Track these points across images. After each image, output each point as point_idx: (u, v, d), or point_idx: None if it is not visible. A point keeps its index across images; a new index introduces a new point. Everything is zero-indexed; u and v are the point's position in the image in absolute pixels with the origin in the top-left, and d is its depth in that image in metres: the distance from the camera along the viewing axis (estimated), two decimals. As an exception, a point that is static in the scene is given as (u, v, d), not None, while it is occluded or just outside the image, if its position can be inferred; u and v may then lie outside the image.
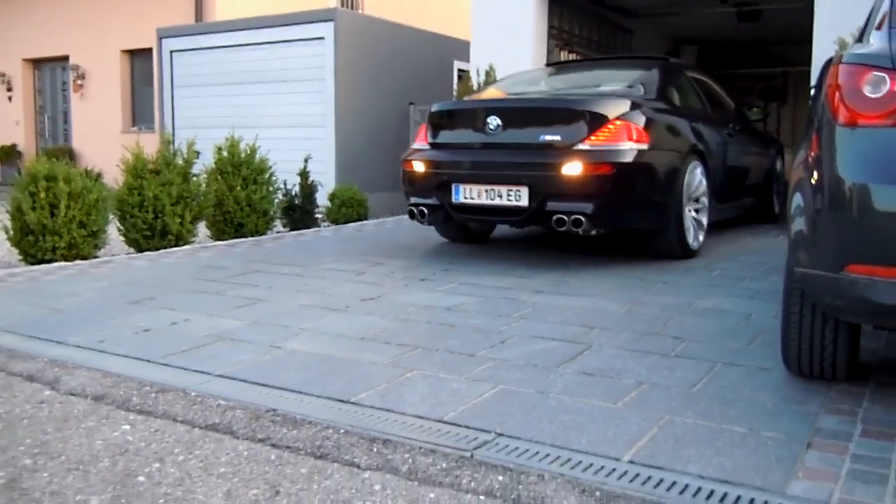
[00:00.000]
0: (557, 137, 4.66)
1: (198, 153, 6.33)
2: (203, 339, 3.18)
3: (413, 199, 5.21)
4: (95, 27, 13.54)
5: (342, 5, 14.69)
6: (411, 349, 3.01)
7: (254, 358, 2.92)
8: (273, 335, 3.23)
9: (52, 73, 14.90)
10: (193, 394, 2.54)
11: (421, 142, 5.33)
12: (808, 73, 6.96)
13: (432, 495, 1.85)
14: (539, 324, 3.40)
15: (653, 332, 3.26)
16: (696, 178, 5.10)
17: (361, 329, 3.32)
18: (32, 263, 5.36)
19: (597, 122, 4.59)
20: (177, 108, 10.87)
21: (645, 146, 4.61)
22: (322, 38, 9.49)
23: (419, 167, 5.15)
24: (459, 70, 10.91)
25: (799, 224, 2.36)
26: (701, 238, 5.20)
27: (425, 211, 5.07)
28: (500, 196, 4.73)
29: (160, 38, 10.87)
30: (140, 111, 13.66)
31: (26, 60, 14.89)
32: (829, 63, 2.40)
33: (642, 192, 4.72)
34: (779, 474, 1.90)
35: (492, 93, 5.99)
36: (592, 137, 4.57)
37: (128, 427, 2.31)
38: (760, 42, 12.38)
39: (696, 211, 5.17)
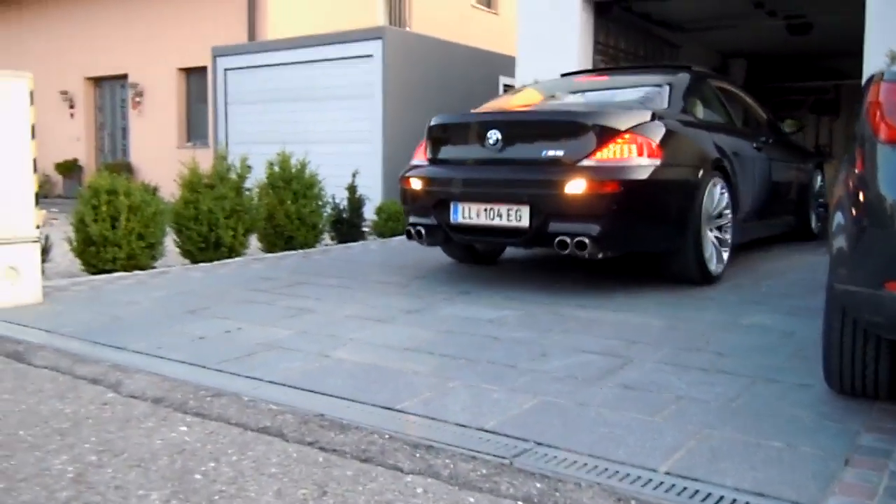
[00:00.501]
0: (561, 153, 4.35)
1: (250, 168, 6.54)
2: (255, 348, 3.31)
3: (411, 219, 4.96)
4: (153, 47, 14.01)
5: (390, 23, 14.94)
6: (454, 360, 3.09)
7: (303, 366, 3.04)
8: (321, 344, 3.34)
9: (111, 90, 15.44)
10: (246, 398, 2.66)
11: (420, 158, 5.10)
12: (860, 86, 6.88)
13: (472, 500, 1.92)
14: (580, 337, 3.45)
15: (694, 348, 3.28)
16: (717, 196, 4.75)
17: (405, 340, 3.41)
18: (94, 273, 5.59)
19: (604, 136, 4.28)
20: (230, 124, 11.18)
21: (657, 162, 4.29)
22: (371, 56, 9.70)
23: (416, 185, 4.89)
24: (505, 85, 11.02)
25: (840, 241, 2.38)
26: (724, 261, 4.84)
27: (423, 231, 4.79)
28: (500, 216, 4.44)
29: (215, 57, 11.21)
30: (195, 127, 14.06)
31: (88, 79, 15.46)
32: (870, 80, 2.43)
33: (654, 212, 4.43)
34: (815, 489, 1.93)
35: (499, 104, 5.71)
36: (599, 153, 4.27)
37: (185, 428, 2.44)
38: (811, 55, 12.22)
39: (719, 231, 4.82)
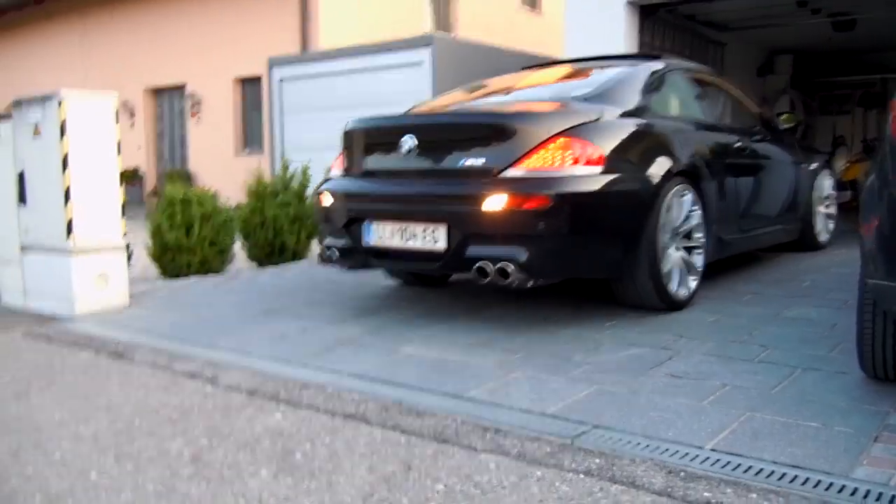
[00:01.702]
0: (481, 161, 3.72)
1: (311, 176, 6.90)
2: (331, 344, 3.63)
3: (326, 240, 4.34)
4: (210, 58, 14.55)
5: (437, 28, 15.25)
6: (513, 353, 3.37)
7: (376, 359, 3.34)
8: (390, 341, 3.65)
9: (170, 100, 16.05)
10: (330, 389, 2.97)
11: (336, 169, 4.51)
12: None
13: (539, 473, 2.20)
14: (629, 332, 3.69)
15: (738, 340, 3.50)
16: (683, 207, 4.10)
17: (468, 335, 3.70)
18: (170, 278, 6.00)
19: (531, 140, 3.65)
20: (286, 132, 11.60)
21: (598, 170, 3.65)
22: (420, 63, 10.00)
23: (328, 200, 4.29)
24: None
25: (869, 240, 2.59)
26: (692, 284, 4.18)
27: (335, 254, 4.19)
28: (415, 237, 3.84)
29: (271, 67, 11.63)
30: (250, 135, 14.56)
31: (147, 90, 16.10)
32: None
33: (595, 231, 3.76)
34: (845, 462, 2.16)
35: (434, 104, 4.93)
36: (526, 161, 3.63)
37: (280, 416, 2.76)
38: (857, 50, 12.17)
39: (687, 249, 4.17)
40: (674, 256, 4.05)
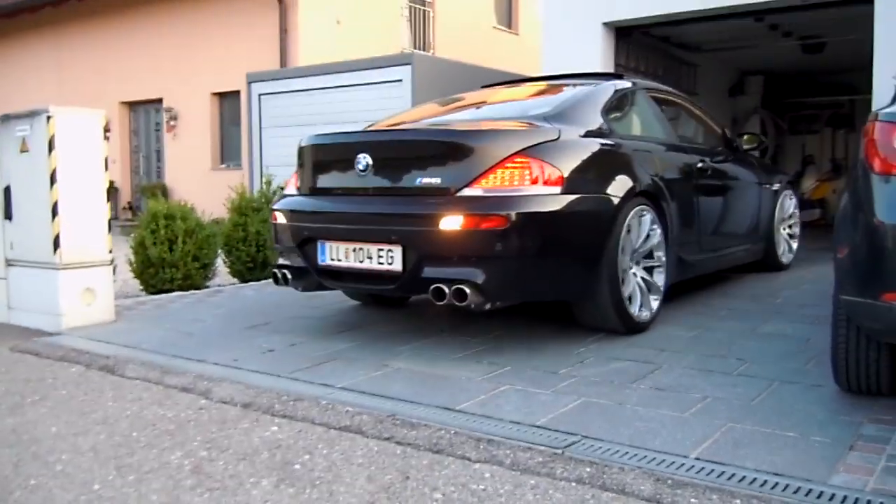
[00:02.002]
0: (437, 180, 3.66)
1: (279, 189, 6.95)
2: (321, 358, 3.69)
3: (280, 259, 4.32)
4: (187, 72, 14.56)
5: (415, 46, 15.41)
6: (501, 367, 3.46)
7: (367, 373, 3.41)
8: (379, 355, 3.72)
9: (146, 114, 16.01)
10: (324, 402, 3.04)
11: (290, 186, 4.43)
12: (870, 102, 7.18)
13: (532, 482, 2.29)
14: (613, 347, 3.80)
15: (718, 355, 3.62)
16: (643, 228, 4.10)
17: (455, 350, 3.78)
18: (152, 293, 6.02)
19: (489, 159, 3.60)
20: (264, 147, 11.64)
21: (557, 190, 3.62)
22: (400, 81, 10.12)
23: (282, 219, 4.22)
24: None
25: (842, 258, 2.72)
26: (654, 305, 4.17)
27: (288, 275, 4.11)
28: (370, 257, 3.77)
29: (250, 83, 11.69)
30: (228, 149, 14.57)
31: (123, 103, 16.05)
32: (868, 119, 2.78)
33: (554, 252, 3.69)
34: (823, 469, 2.27)
35: (391, 121, 4.85)
36: (483, 180, 3.57)
37: (276, 428, 2.82)
38: (826, 71, 12.52)
39: (648, 270, 4.18)
40: (635, 278, 4.05)
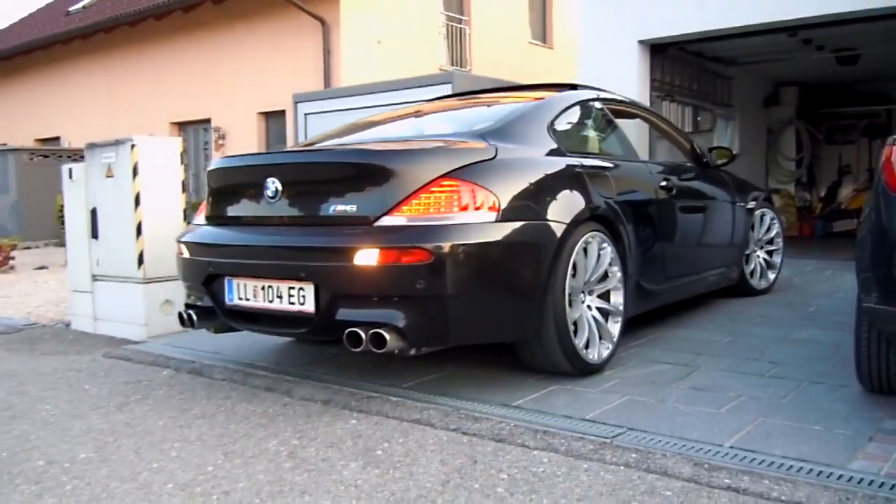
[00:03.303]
0: (353, 208, 3.23)
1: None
2: (384, 363, 4.06)
3: (187, 298, 3.92)
4: (235, 93, 15.16)
5: (451, 64, 15.84)
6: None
7: (428, 376, 3.78)
8: (434, 359, 4.07)
9: (195, 133, 16.66)
10: (394, 399, 3.40)
11: (199, 216, 4.02)
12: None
13: (585, 465, 2.63)
14: (652, 351, 4.12)
15: (752, 358, 3.92)
16: (594, 257, 3.67)
17: (505, 354, 4.12)
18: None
19: (411, 183, 3.17)
20: (311, 165, 12.14)
21: (491, 217, 3.19)
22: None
23: (186, 252, 3.81)
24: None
25: (865, 270, 3.02)
26: (609, 345, 3.75)
27: (193, 316, 3.70)
28: (281, 297, 3.36)
29: (296, 103, 12.19)
30: (274, 166, 15.11)
31: (173, 123, 16.72)
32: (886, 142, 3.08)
33: (488, 289, 3.25)
34: (843, 457, 2.58)
35: (311, 140, 4.50)
36: (404, 207, 3.15)
37: (355, 421, 3.19)
38: (861, 81, 12.66)
39: (603, 307, 3.77)
40: (588, 311, 3.67)
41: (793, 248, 10.37)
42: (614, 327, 3.82)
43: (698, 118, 11.45)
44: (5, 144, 18.64)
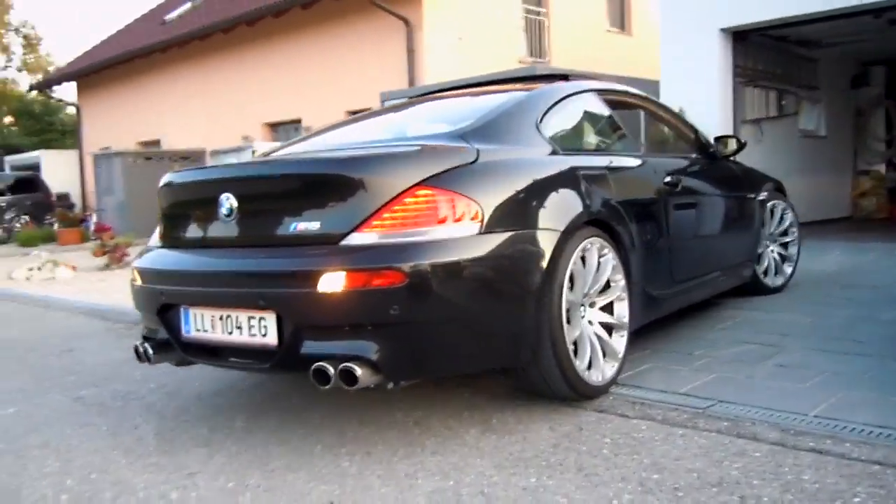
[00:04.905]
0: (317, 226, 2.86)
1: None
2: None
3: (144, 330, 3.53)
4: (323, 93, 15.84)
5: (530, 55, 16.10)
6: (643, 350, 4.11)
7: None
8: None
9: (285, 133, 17.45)
10: (502, 378, 3.79)
11: (154, 238, 3.61)
12: None
13: (680, 432, 2.95)
14: (740, 333, 4.37)
15: (836, 338, 4.14)
16: (594, 266, 3.33)
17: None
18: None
19: (381, 194, 2.80)
20: (399, 161, 12.62)
21: (474, 228, 2.84)
22: (524, 93, 10.83)
23: (139, 279, 3.42)
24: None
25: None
26: (614, 363, 3.43)
27: (149, 350, 3.30)
28: (240, 327, 2.97)
29: (383, 102, 12.72)
30: (361, 162, 15.72)
31: (265, 124, 17.57)
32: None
33: (472, 311, 2.88)
34: (922, 423, 2.84)
35: (273, 149, 4.15)
36: (373, 222, 2.78)
37: (469, 395, 3.59)
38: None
39: (605, 317, 3.44)
40: (588, 331, 3.33)
41: (882, 230, 10.29)
42: (619, 342, 3.47)
43: (783, 102, 11.41)
44: (109, 148, 19.96)
